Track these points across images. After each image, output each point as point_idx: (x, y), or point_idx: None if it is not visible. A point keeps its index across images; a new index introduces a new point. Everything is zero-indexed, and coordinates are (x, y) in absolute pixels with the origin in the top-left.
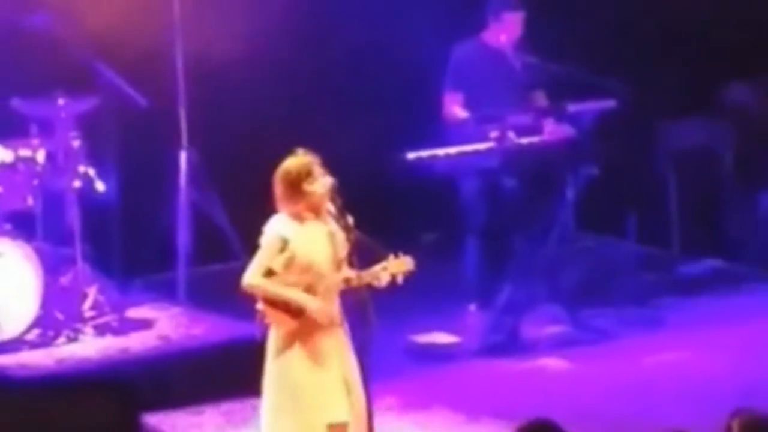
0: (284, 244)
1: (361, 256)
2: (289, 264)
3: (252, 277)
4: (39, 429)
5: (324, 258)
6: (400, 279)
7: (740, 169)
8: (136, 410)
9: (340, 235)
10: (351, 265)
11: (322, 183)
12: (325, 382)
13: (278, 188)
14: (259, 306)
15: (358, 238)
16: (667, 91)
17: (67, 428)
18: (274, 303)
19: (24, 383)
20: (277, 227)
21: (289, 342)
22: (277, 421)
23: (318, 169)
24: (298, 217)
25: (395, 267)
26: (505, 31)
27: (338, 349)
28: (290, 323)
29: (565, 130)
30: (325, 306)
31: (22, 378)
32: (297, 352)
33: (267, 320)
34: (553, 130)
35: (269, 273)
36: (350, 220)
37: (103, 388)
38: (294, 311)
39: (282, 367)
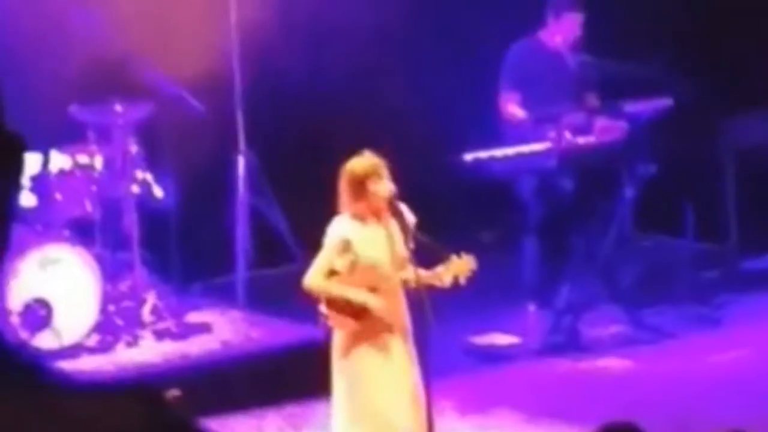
0: (347, 245)
1: (423, 257)
2: (352, 265)
3: (313, 277)
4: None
5: (386, 259)
6: (462, 279)
7: None
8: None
9: (400, 236)
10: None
11: (386, 186)
12: (393, 385)
13: (342, 185)
14: (322, 308)
15: (419, 240)
16: (726, 86)
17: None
18: (336, 304)
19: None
20: (339, 228)
21: (354, 342)
22: (351, 425)
23: (384, 172)
24: (360, 218)
25: (457, 267)
26: (562, 32)
27: (404, 351)
28: (352, 325)
29: (619, 128)
30: (386, 304)
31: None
32: (364, 353)
33: (330, 322)
34: (604, 129)
35: (332, 274)
36: (412, 220)
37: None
38: (356, 312)
39: (351, 367)
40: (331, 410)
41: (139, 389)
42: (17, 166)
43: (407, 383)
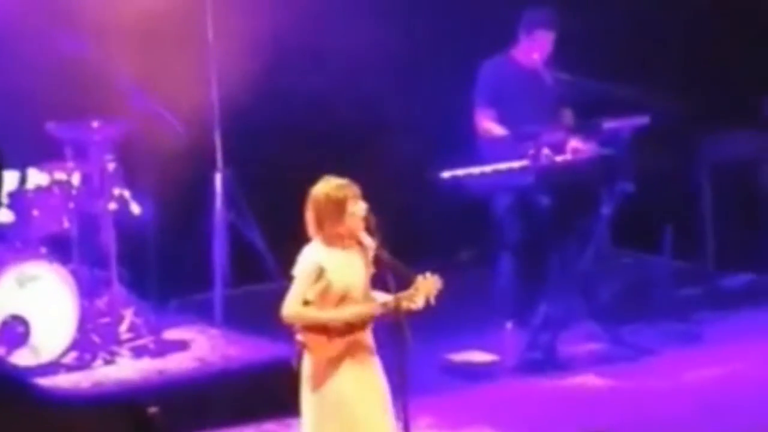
0: (321, 273)
1: (392, 277)
2: (324, 292)
3: (291, 307)
4: None
5: (359, 284)
6: (432, 300)
7: None
8: None
9: (368, 259)
10: (386, 288)
11: (362, 205)
12: (367, 409)
13: (318, 210)
14: (299, 337)
15: (386, 261)
16: (703, 105)
17: None
18: (315, 330)
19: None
20: (313, 256)
21: (328, 370)
22: None
23: (358, 192)
24: (335, 242)
25: (425, 287)
26: (536, 49)
27: (376, 373)
28: (333, 349)
29: (590, 149)
30: (374, 305)
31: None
32: (340, 379)
33: (308, 349)
34: (575, 149)
35: (304, 303)
36: (370, 243)
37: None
38: (337, 333)
39: (326, 396)
40: None
41: (124, 406)
42: None
43: (384, 400)
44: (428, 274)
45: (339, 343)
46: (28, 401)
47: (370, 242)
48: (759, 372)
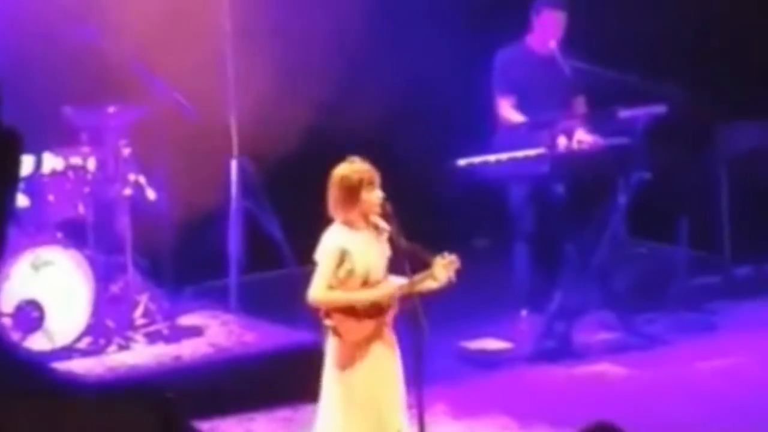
0: (344, 255)
1: (408, 263)
2: (348, 275)
3: (318, 290)
4: None
5: (380, 267)
6: (453, 277)
7: None
8: (178, 422)
9: (385, 243)
10: (402, 273)
11: (378, 193)
12: (391, 393)
13: (334, 191)
14: (328, 322)
15: (404, 246)
16: (720, 95)
17: None
18: (343, 313)
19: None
20: (336, 239)
21: (354, 354)
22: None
23: (376, 179)
24: (352, 225)
25: (443, 267)
26: (548, 33)
27: (395, 359)
28: (363, 331)
29: (595, 140)
30: (402, 284)
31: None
32: (370, 360)
33: (337, 333)
34: (580, 141)
35: (328, 287)
36: (386, 227)
37: (144, 398)
38: (366, 315)
39: (355, 378)
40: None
41: (150, 395)
42: (15, 158)
43: (400, 384)
44: (446, 254)
45: (368, 325)
46: (45, 387)
47: (384, 226)
48: None
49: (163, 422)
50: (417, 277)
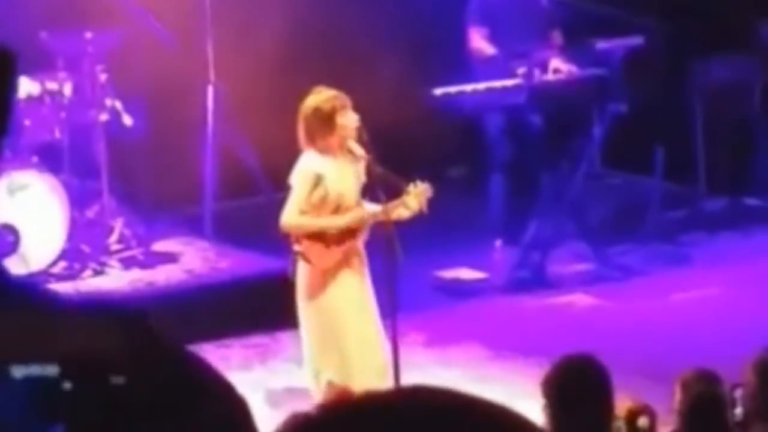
0: (318, 180)
1: (383, 189)
2: (321, 201)
3: (290, 215)
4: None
5: (353, 193)
6: (424, 207)
7: None
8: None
9: (360, 169)
10: (377, 200)
11: (353, 116)
12: (364, 315)
13: (308, 123)
14: (296, 247)
15: (378, 172)
16: (697, 28)
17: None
18: (313, 239)
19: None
20: (309, 164)
21: (326, 279)
22: (323, 357)
23: (348, 103)
24: (329, 152)
25: (416, 195)
26: None
27: (368, 284)
28: (331, 257)
29: (571, 69)
30: (371, 210)
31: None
32: (338, 287)
33: (305, 259)
34: (556, 69)
35: (300, 213)
36: (362, 153)
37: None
38: (335, 241)
39: (324, 304)
40: (300, 344)
41: (124, 312)
42: (11, 69)
43: (375, 313)
44: (419, 182)
45: (336, 252)
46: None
47: (361, 152)
48: (745, 295)
49: (130, 339)
50: (390, 204)
